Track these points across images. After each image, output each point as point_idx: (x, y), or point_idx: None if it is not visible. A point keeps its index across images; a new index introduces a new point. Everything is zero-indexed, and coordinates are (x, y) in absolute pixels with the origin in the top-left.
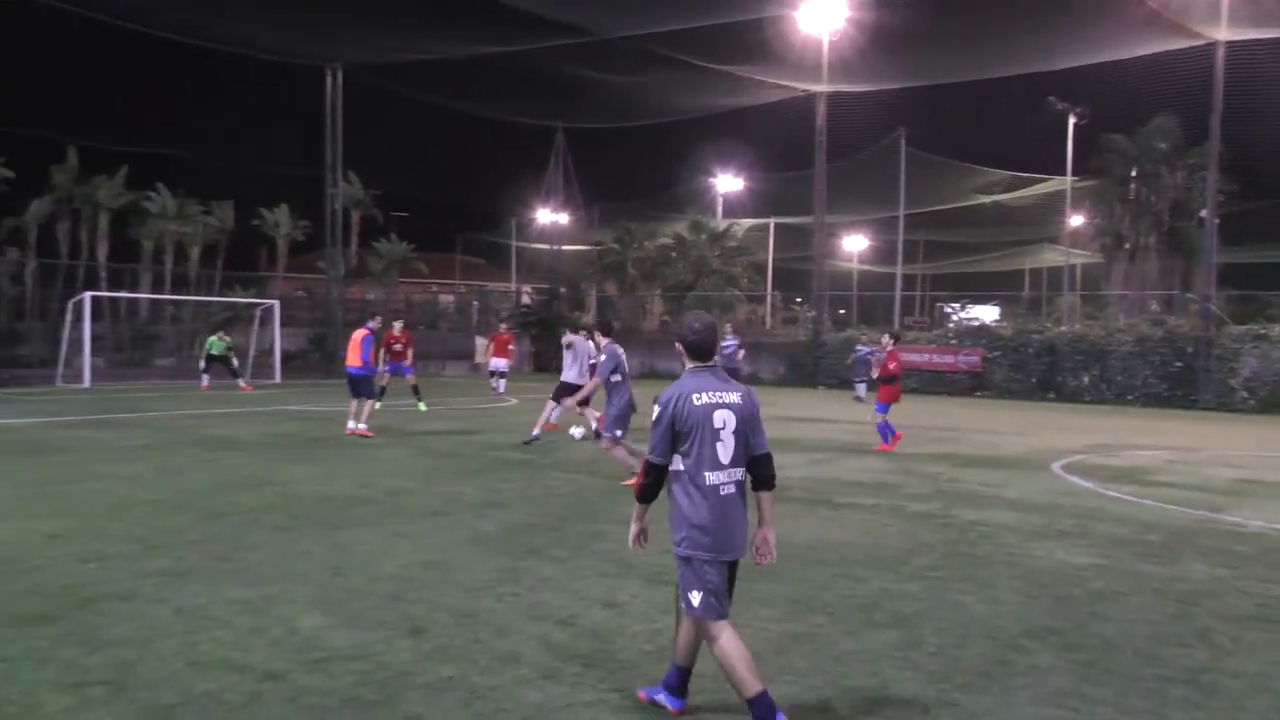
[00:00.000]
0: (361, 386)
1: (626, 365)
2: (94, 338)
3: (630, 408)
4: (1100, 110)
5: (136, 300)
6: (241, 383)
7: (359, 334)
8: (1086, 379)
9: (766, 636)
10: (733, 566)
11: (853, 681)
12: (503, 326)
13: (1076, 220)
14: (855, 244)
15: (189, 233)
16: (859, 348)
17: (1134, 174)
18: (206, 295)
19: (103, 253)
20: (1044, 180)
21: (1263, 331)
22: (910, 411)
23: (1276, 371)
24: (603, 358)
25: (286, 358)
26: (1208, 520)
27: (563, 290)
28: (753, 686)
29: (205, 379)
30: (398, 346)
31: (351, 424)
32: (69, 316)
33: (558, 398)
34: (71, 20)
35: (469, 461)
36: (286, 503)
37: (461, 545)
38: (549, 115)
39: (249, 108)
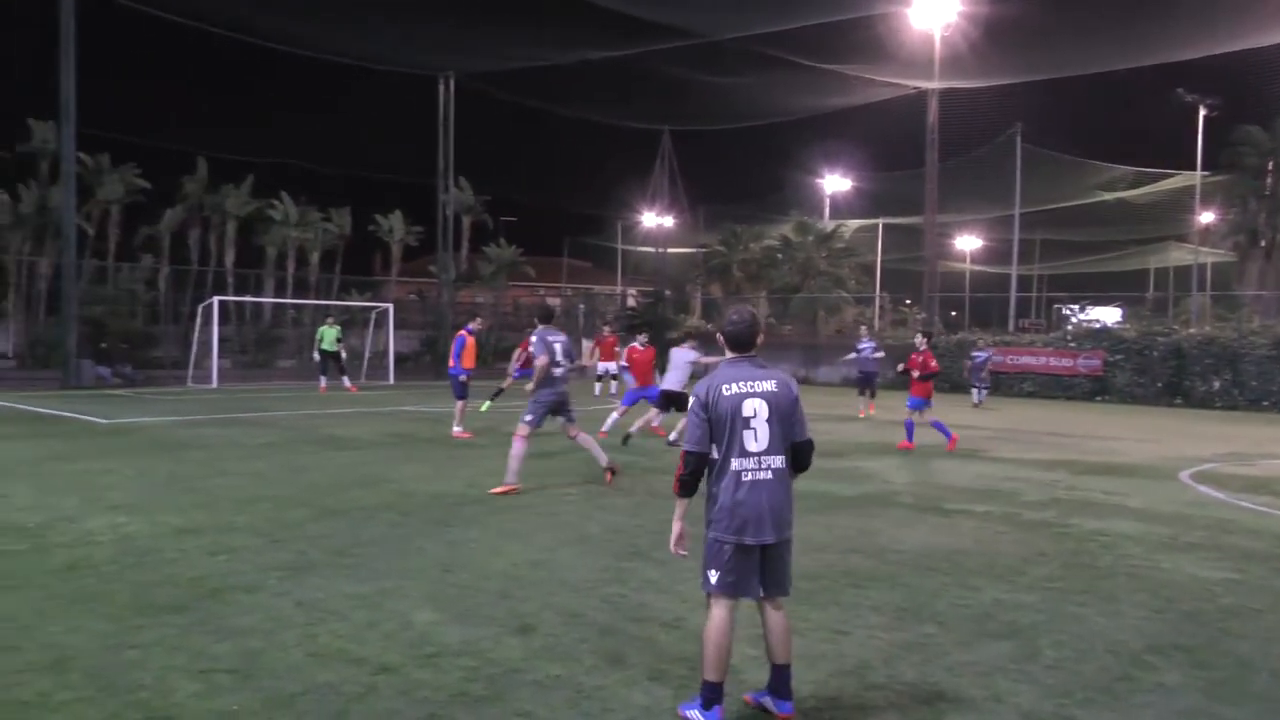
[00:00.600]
0: (453, 387)
1: (560, 354)
2: (221, 340)
3: (558, 403)
4: (1232, 101)
5: (260, 304)
6: (347, 382)
7: (459, 335)
8: (1217, 384)
9: (875, 645)
10: (768, 550)
11: (965, 694)
12: (606, 330)
13: (1207, 217)
14: (968, 244)
15: (309, 239)
16: (975, 353)
17: (1270, 167)
18: (325, 299)
19: (230, 259)
20: (1171, 175)
21: None
22: (1025, 416)
23: None
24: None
25: (399, 359)
26: None
27: (668, 293)
28: (709, 674)
29: (323, 380)
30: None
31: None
32: (199, 320)
33: (662, 406)
34: (203, 38)
35: (573, 463)
36: (400, 500)
37: (568, 545)
38: (655, 118)
39: (366, 117)
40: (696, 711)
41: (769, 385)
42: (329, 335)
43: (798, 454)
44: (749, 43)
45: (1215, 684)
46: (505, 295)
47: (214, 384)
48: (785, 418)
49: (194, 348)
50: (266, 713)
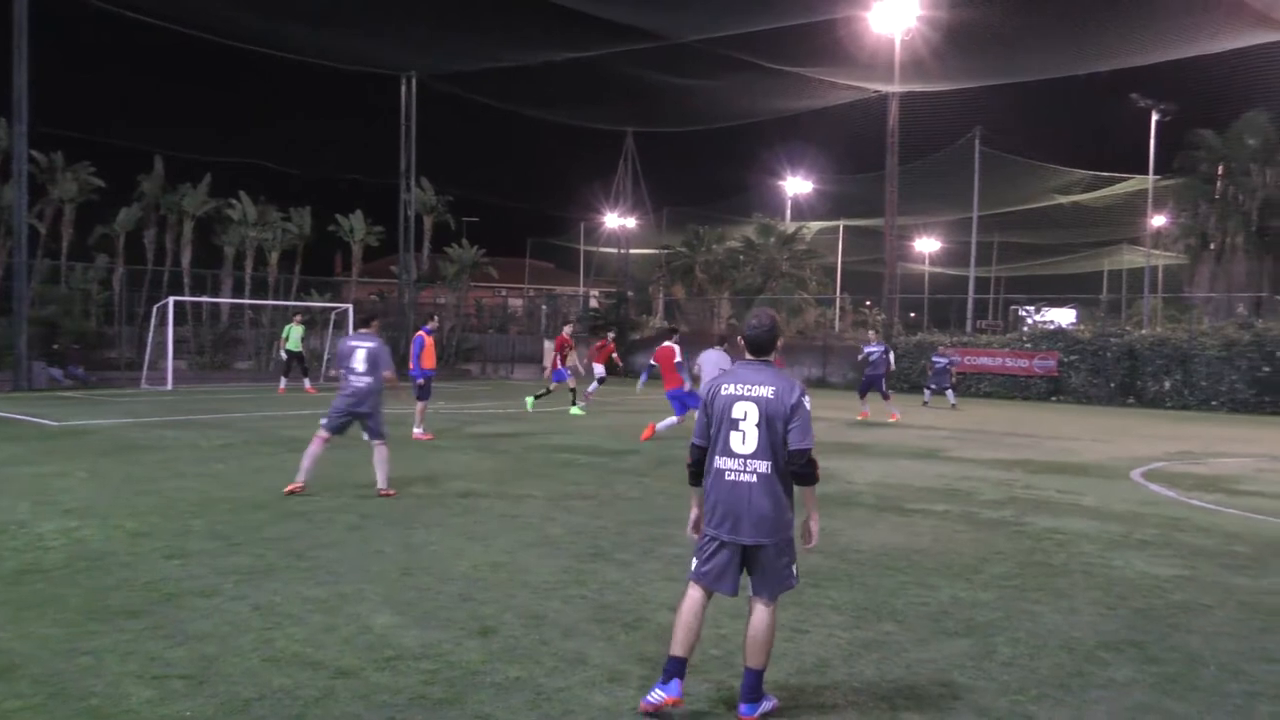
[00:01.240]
0: (413, 389)
1: (348, 361)
2: (177, 341)
3: (343, 409)
4: (1185, 107)
5: (218, 304)
6: (307, 383)
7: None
8: (1169, 384)
9: (835, 643)
10: (749, 552)
11: (923, 691)
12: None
13: (1159, 220)
14: (927, 246)
15: (268, 239)
16: (936, 358)
17: (1221, 171)
18: (285, 299)
19: (187, 258)
20: (1125, 180)
21: None
22: (983, 416)
23: None
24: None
25: None
26: None
27: (630, 294)
28: (673, 648)
29: (283, 381)
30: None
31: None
32: (154, 320)
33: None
34: (156, 33)
35: (537, 464)
36: (359, 503)
37: (529, 547)
38: (619, 119)
39: (326, 116)
40: (656, 689)
41: (765, 390)
42: (295, 334)
43: (790, 462)
44: (713, 45)
45: (1165, 679)
46: (467, 296)
47: (169, 385)
48: (778, 424)
49: (149, 349)
50: (221, 719)
